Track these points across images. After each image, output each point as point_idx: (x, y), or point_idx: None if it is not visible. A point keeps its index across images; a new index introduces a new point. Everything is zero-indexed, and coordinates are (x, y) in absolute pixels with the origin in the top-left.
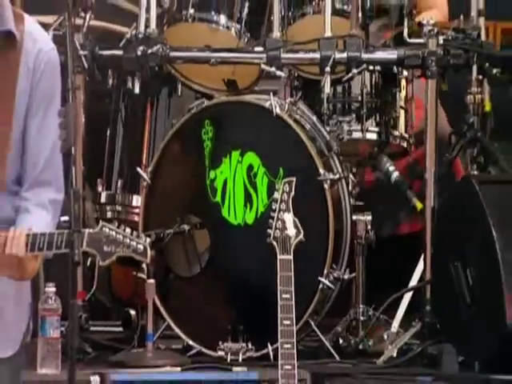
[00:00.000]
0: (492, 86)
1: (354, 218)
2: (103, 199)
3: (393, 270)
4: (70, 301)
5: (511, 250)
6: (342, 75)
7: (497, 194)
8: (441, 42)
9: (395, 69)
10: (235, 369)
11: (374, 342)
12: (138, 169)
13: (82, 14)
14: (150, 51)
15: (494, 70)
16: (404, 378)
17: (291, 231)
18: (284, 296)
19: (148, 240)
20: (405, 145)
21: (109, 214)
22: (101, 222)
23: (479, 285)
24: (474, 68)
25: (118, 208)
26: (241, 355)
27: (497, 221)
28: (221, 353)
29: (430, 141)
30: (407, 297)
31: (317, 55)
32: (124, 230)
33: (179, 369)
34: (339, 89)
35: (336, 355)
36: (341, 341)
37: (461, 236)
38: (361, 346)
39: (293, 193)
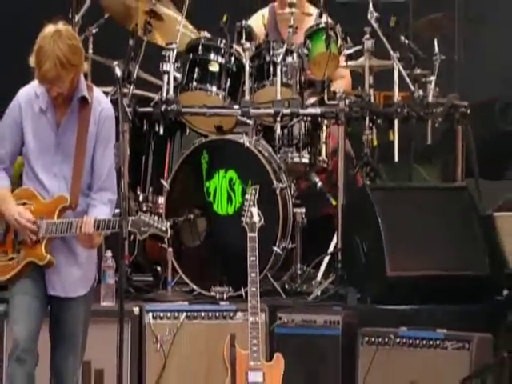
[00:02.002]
0: (378, 129)
1: (294, 210)
2: (140, 199)
3: (318, 242)
4: (120, 261)
5: (390, 231)
6: (286, 123)
7: (381, 196)
8: (347, 103)
9: (319, 119)
10: (221, 303)
11: (306, 286)
12: (162, 180)
13: (128, 86)
14: (169, 108)
15: (379, 120)
16: (324, 308)
17: (256, 219)
18: (252, 258)
19: (168, 224)
20: (325, 165)
21: (144, 208)
22: (139, 212)
23: (370, 252)
24: (367, 119)
25: (150, 204)
26: (225, 294)
27: (381, 212)
28: (213, 293)
29: (340, 162)
30: (326, 258)
31: (271, 110)
32: (153, 218)
33: (187, 302)
34: (285, 131)
35: (283, 294)
36: (286, 286)
37: (359, 222)
38: (298, 289)
39: (257, 195)
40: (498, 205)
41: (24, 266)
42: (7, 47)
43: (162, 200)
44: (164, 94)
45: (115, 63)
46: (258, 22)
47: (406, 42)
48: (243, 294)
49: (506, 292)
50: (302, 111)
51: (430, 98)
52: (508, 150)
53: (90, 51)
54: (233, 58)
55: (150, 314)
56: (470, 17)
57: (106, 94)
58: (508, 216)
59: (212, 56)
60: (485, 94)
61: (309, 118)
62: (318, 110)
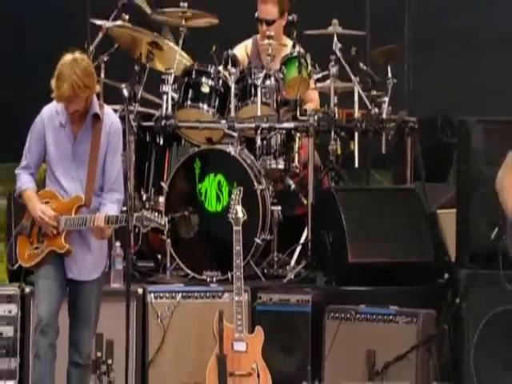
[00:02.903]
0: (341, 140)
1: (272, 208)
2: (144, 198)
3: (291, 234)
4: (127, 250)
5: (351, 225)
6: (265, 135)
7: (344, 196)
8: (315, 118)
9: (293, 132)
10: (211, 285)
11: (282, 271)
12: (162, 183)
13: (133, 104)
14: (167, 123)
15: (342, 133)
16: (297, 289)
17: (240, 215)
18: (237, 248)
19: (166, 219)
20: (297, 171)
21: (146, 206)
22: (142, 209)
23: (334, 242)
24: (332, 132)
25: (151, 203)
26: (214, 278)
27: (344, 210)
28: (204, 277)
29: (310, 168)
30: (299, 248)
31: (253, 125)
32: (154, 214)
33: (183, 284)
34: (264, 142)
35: (263, 278)
36: (265, 271)
37: (326, 217)
38: (275, 273)
39: (241, 195)
40: (441, 203)
41: (47, 254)
42: (34, 72)
43: (161, 199)
44: (163, 111)
45: (123, 85)
46: (241, 51)
47: (365, 68)
48: (229, 277)
49: (446, 276)
50: (278, 125)
51: (384, 115)
52: (448, 157)
53: (102, 75)
54: (221, 81)
55: (152, 294)
56: (417, 47)
57: (115, 111)
58: (449, 213)
59: (203, 79)
60: (429, 111)
61: (284, 131)
62: (291, 125)
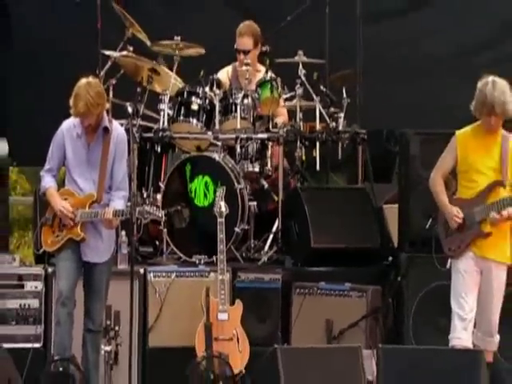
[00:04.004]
0: (305, 148)
1: (249, 203)
2: (144, 195)
3: (265, 225)
4: (130, 237)
5: (314, 217)
6: (244, 143)
7: (308, 194)
8: (284, 130)
9: (266, 141)
10: (200, 266)
11: (257, 255)
12: (160, 183)
13: (136, 119)
14: (164, 134)
15: (306, 142)
16: (269, 269)
17: (223, 209)
18: (220, 236)
19: (163, 212)
20: (270, 173)
21: (147, 202)
22: (143, 205)
23: (300, 231)
24: (298, 141)
25: (151, 199)
26: (202, 260)
27: (307, 205)
28: (194, 259)
29: (280, 171)
30: (271, 236)
31: (233, 136)
32: (153, 208)
33: (176, 266)
34: (243, 149)
35: (241, 260)
36: (243, 254)
37: (293, 211)
38: (252, 257)
39: (224, 193)
40: (386, 200)
41: (66, 241)
42: (56, 93)
43: (159, 196)
44: (161, 125)
45: (127, 104)
46: (224, 75)
47: (324, 89)
48: (214, 260)
49: (390, 258)
50: (254, 136)
51: (340, 128)
52: (391, 162)
53: (111, 95)
54: (207, 100)
55: (151, 274)
56: (367, 72)
57: (121, 124)
58: (392, 207)
59: (193, 99)
60: (376, 125)
61: (259, 141)
62: (265, 135)
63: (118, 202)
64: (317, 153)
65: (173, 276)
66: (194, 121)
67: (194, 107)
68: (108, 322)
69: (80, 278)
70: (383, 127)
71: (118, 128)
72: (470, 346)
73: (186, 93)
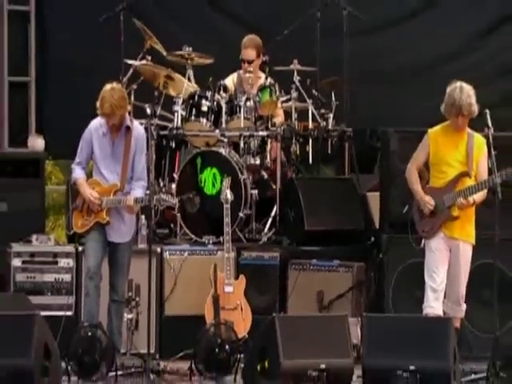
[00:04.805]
0: (299, 144)
1: (251, 192)
2: (161, 185)
3: (265, 210)
4: (149, 221)
5: (307, 204)
6: (246, 140)
7: (302, 183)
8: (282, 129)
9: (266, 138)
10: (209, 245)
11: (258, 236)
12: (174, 174)
13: (154, 119)
14: (178, 132)
15: (300, 139)
16: (269, 248)
17: (229, 196)
18: (226, 219)
19: (177, 200)
20: (269, 165)
21: (163, 190)
22: (160, 193)
23: (295, 216)
24: (293, 138)
25: (166, 188)
26: (211, 240)
27: (302, 193)
28: (204, 240)
29: (278, 163)
30: (270, 219)
31: (238, 133)
32: (168, 196)
33: (189, 245)
34: (246, 145)
35: (245, 240)
36: (246, 235)
37: (289, 198)
38: (253, 237)
39: (229, 183)
40: (369, 188)
41: (93, 224)
42: (84, 98)
43: (173, 185)
44: (175, 124)
45: (146, 106)
46: (230, 81)
47: (316, 93)
48: (221, 240)
49: (372, 239)
50: (255, 133)
51: (330, 126)
52: (374, 157)
53: (132, 98)
54: (215, 103)
55: (167, 252)
56: (353, 78)
57: (141, 123)
58: (374, 195)
59: (203, 101)
60: (361, 124)
61: (259, 138)
62: (265, 133)
63: (138, 190)
64: (309, 148)
65: (185, 254)
66: (204, 120)
67: (204, 109)
68: (130, 294)
69: (105, 255)
70: (367, 126)
71: (138, 127)
72: (441, 313)
73: (196, 96)
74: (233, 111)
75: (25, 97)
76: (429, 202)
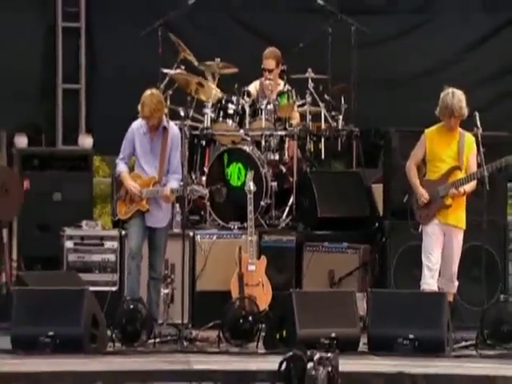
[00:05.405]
0: (313, 142)
1: (271, 183)
2: (193, 178)
3: (283, 199)
4: (183, 209)
5: (320, 194)
6: (267, 139)
7: (316, 176)
8: (298, 129)
9: (284, 137)
10: (234, 230)
11: (277, 222)
12: (204, 168)
13: (187, 120)
14: (207, 132)
15: (314, 138)
16: (286, 232)
17: (253, 187)
18: (249, 208)
19: (207, 190)
20: (287, 161)
21: (195, 182)
22: (192, 185)
23: (309, 204)
24: (308, 137)
25: (197, 180)
26: (236, 226)
27: (316, 184)
28: (230, 225)
29: (295, 159)
30: (287, 208)
31: (260, 133)
32: (199, 187)
33: (217, 230)
34: (267, 143)
35: (265, 226)
36: (267, 221)
37: (304, 189)
38: (273, 223)
39: (252, 175)
40: (373, 180)
41: (135, 211)
42: (128, 102)
43: (204, 178)
44: (205, 125)
45: (180, 109)
46: (253, 88)
47: (327, 98)
48: (245, 225)
49: (376, 224)
50: (275, 133)
51: (340, 127)
52: (378, 153)
53: (168, 102)
54: (240, 106)
55: (199, 236)
56: (359, 85)
57: (176, 124)
58: (378, 186)
59: (229, 105)
60: (367, 124)
61: (278, 137)
62: (283, 132)
63: (174, 182)
64: (322, 145)
65: (214, 237)
66: (230, 122)
67: (230, 111)
68: (166, 272)
69: (145, 238)
70: (371, 126)
71: (173, 127)
72: (436, 289)
73: (224, 101)
74: (255, 113)
75: (76, 102)
76: (424, 195)
